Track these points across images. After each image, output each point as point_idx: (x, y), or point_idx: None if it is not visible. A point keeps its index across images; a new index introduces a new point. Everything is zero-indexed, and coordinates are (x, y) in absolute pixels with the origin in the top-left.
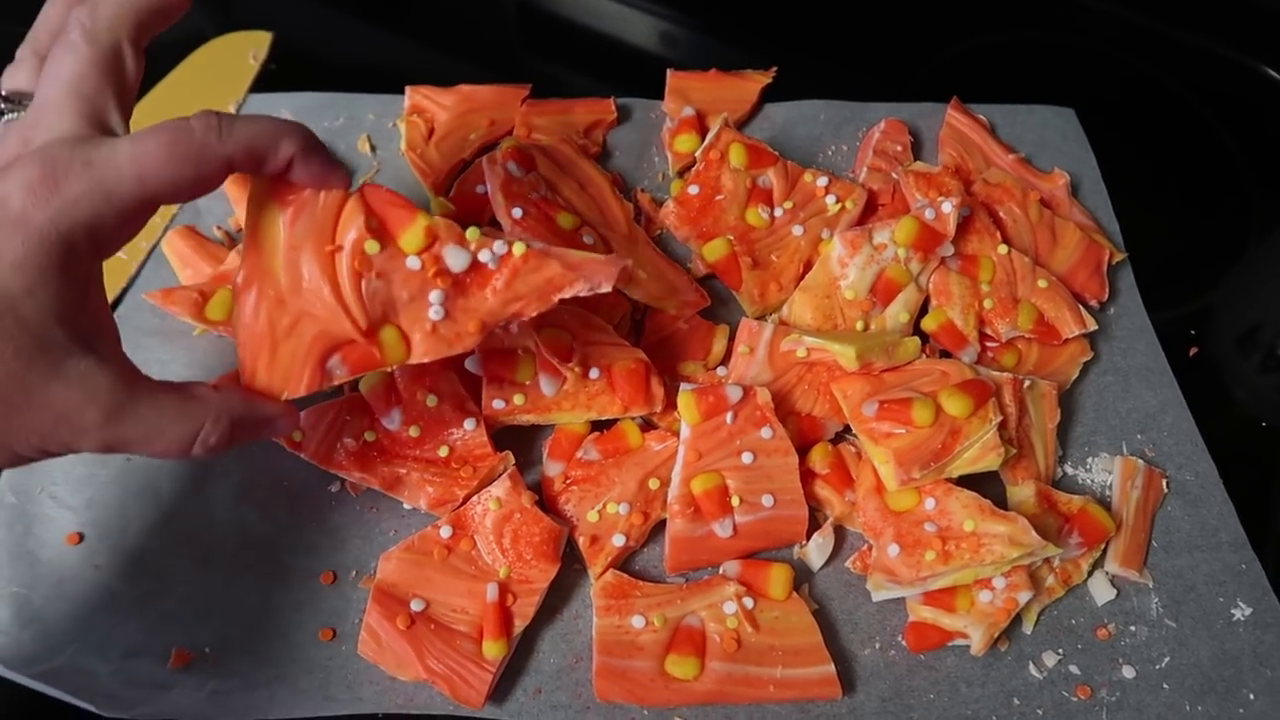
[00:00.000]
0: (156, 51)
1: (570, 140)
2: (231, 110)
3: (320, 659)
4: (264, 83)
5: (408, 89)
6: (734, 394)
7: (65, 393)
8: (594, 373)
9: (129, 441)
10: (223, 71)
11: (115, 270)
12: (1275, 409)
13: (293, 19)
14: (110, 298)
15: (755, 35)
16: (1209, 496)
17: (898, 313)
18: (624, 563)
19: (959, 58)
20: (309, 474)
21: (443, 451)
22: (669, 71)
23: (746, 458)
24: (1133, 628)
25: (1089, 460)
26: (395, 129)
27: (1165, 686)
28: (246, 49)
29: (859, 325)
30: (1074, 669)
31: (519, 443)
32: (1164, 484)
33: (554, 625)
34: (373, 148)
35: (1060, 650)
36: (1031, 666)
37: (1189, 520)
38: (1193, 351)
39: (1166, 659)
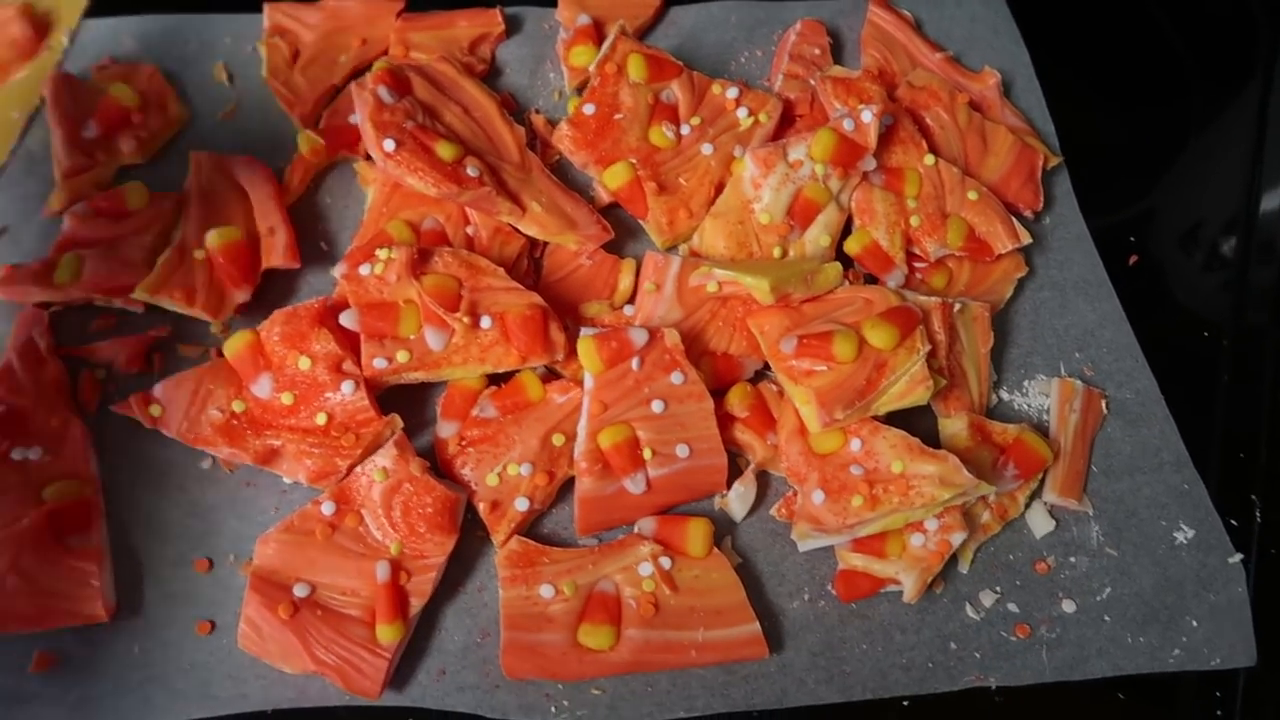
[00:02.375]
0: None
1: (452, 58)
2: (65, 41)
3: (198, 655)
4: (101, 5)
5: (266, 6)
6: (639, 337)
7: None
8: (485, 321)
9: None
10: None
11: None
12: (1217, 313)
13: None
14: None
15: None
16: (1150, 414)
17: (818, 236)
18: (530, 527)
19: None
20: (175, 451)
21: (320, 419)
22: None
23: (657, 406)
24: (1073, 559)
25: (1025, 384)
26: (255, 53)
27: (1106, 618)
28: None
29: (776, 252)
30: (1012, 607)
31: (408, 404)
32: (1103, 405)
33: (456, 600)
34: (230, 77)
35: (998, 588)
36: (968, 608)
37: (1129, 441)
38: (1133, 260)
39: (1108, 590)
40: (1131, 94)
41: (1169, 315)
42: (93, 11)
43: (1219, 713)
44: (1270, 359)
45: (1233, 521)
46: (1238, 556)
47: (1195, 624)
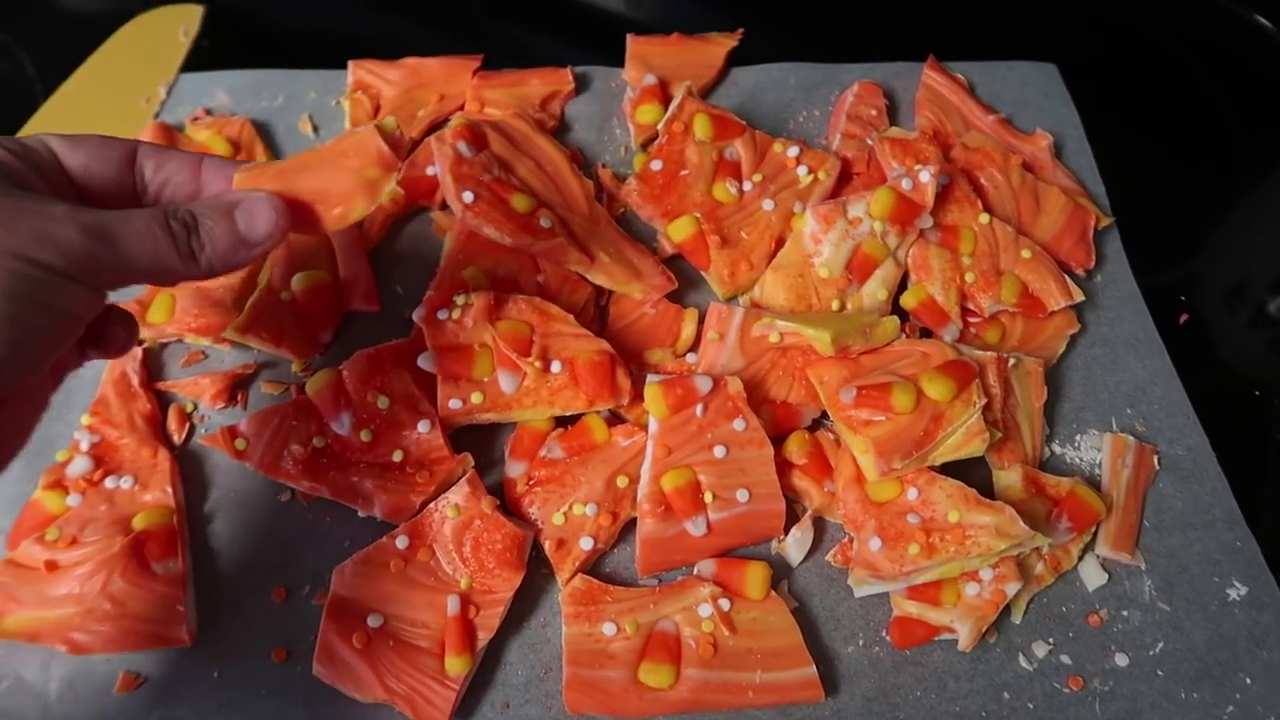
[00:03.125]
0: (81, 27)
1: (525, 114)
2: (161, 93)
3: (274, 681)
4: (196, 60)
5: (351, 63)
6: (703, 385)
7: (41, 214)
8: (555, 366)
9: (106, 258)
10: (151, 49)
11: None
12: (1267, 371)
13: None
14: None
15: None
16: (1202, 471)
17: (875, 290)
18: (593, 566)
19: (935, 12)
20: (255, 484)
21: (397, 456)
22: (629, 37)
23: (719, 451)
24: (1125, 613)
25: (1077, 438)
26: (339, 107)
27: (1159, 673)
28: (176, 24)
29: (834, 304)
30: (1065, 659)
31: (479, 443)
32: (1155, 460)
33: (521, 635)
34: (315, 128)
35: (1051, 640)
36: (1021, 658)
37: (1181, 497)
38: (1183, 318)
39: (1160, 644)
40: (1180, 155)
41: (1219, 374)
42: (188, 66)
43: None
44: None
45: None
46: None
47: (1249, 681)
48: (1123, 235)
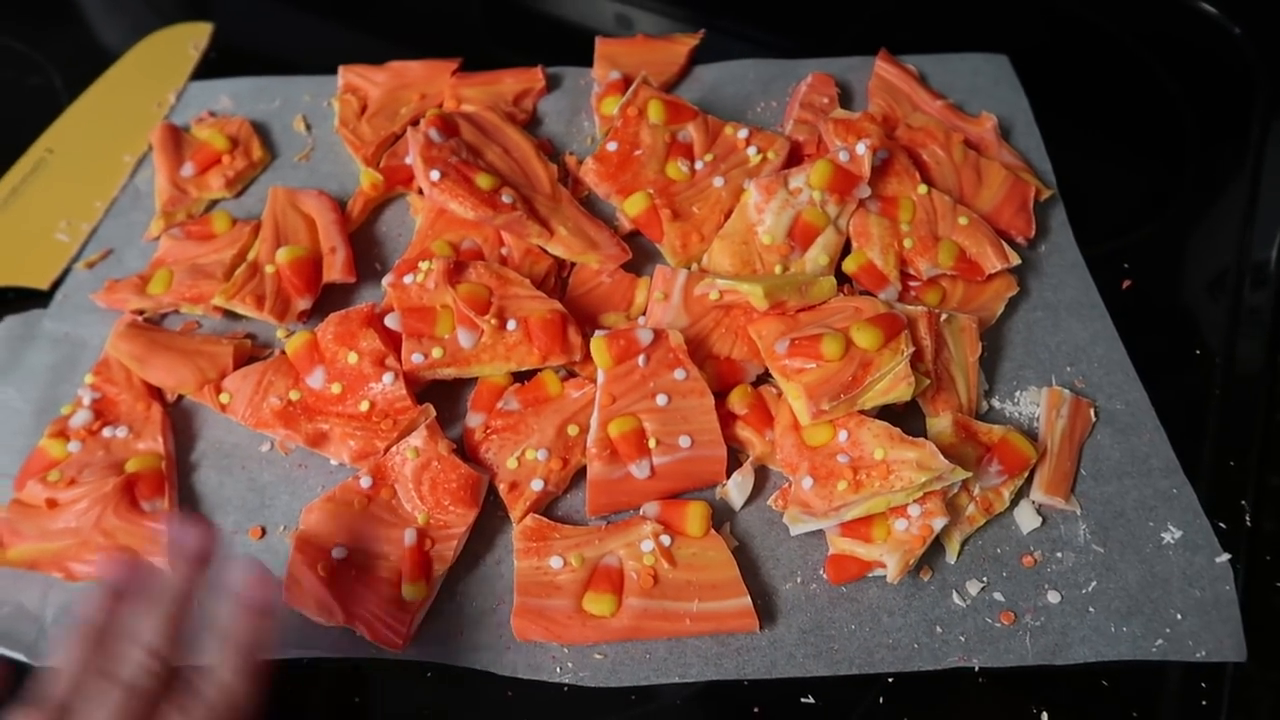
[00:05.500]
0: (105, 45)
1: (497, 108)
2: (172, 99)
3: None
4: (204, 70)
5: (341, 68)
6: (645, 337)
7: None
8: (511, 324)
9: None
10: (164, 62)
11: (57, 251)
12: (1207, 333)
13: (234, 8)
14: (53, 277)
15: (712, 14)
16: (1140, 424)
17: (817, 256)
18: (547, 509)
19: (891, 12)
20: (239, 435)
21: (364, 406)
22: (597, 39)
23: (661, 400)
24: (1059, 554)
25: (1017, 394)
26: (330, 107)
27: (1091, 609)
28: (188, 40)
29: (778, 270)
30: (998, 595)
31: (445, 398)
32: (1092, 412)
33: (476, 571)
34: (308, 126)
35: (984, 578)
36: (955, 595)
37: (1119, 448)
38: (1126, 284)
39: (1093, 583)
40: (1128, 138)
41: (1161, 335)
42: (197, 75)
43: (1204, 704)
44: (1263, 377)
45: (1221, 524)
46: (1225, 556)
47: (1180, 617)
48: (1069, 209)
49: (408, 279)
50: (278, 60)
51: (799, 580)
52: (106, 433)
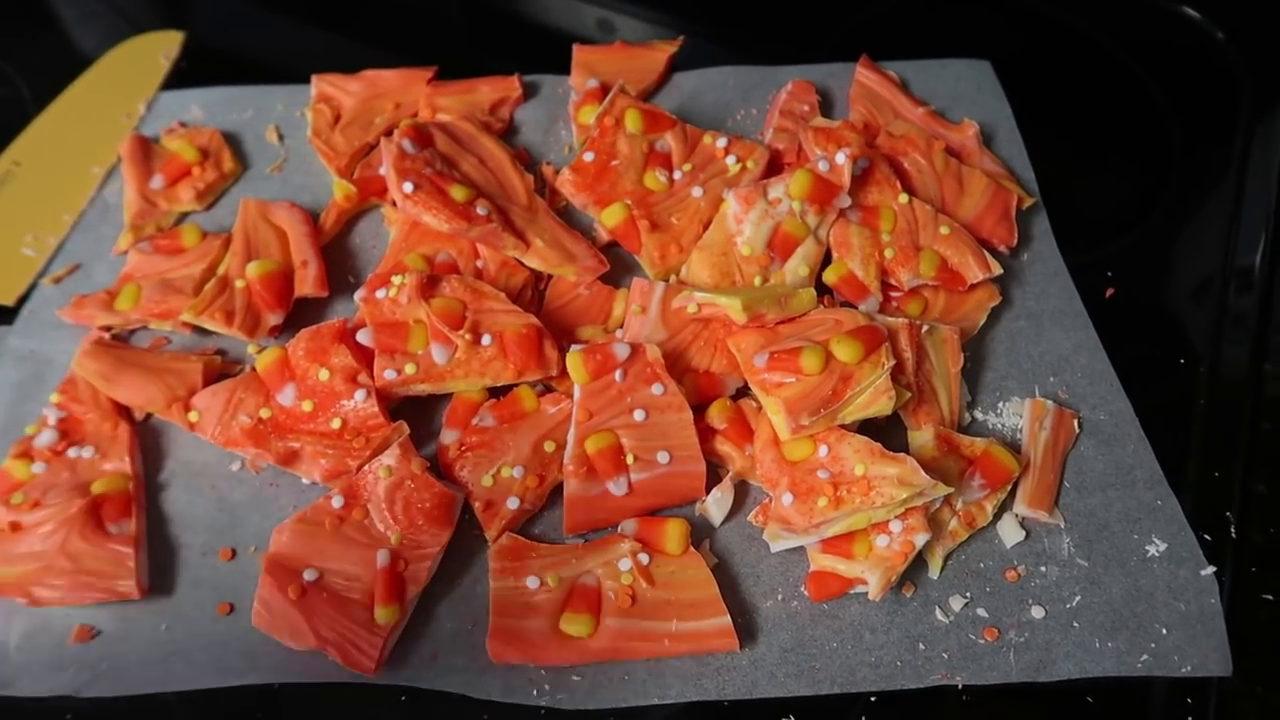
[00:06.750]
0: (73, 55)
1: (473, 117)
2: (142, 109)
3: (217, 633)
4: (175, 80)
5: (314, 78)
6: (621, 351)
7: None
8: (486, 339)
9: None
10: (134, 71)
11: (23, 266)
12: (1191, 342)
13: (206, 15)
14: (18, 293)
15: (692, 20)
16: (1124, 435)
17: (797, 267)
18: (524, 527)
19: (874, 19)
20: (208, 454)
21: (335, 424)
22: (575, 46)
23: (639, 415)
24: (1043, 568)
25: (1000, 405)
26: (303, 117)
27: (1075, 624)
28: (158, 49)
29: (757, 281)
30: (981, 611)
31: (419, 415)
32: (1075, 424)
33: (452, 592)
34: (280, 137)
35: (968, 594)
36: (938, 611)
37: (1103, 459)
38: (1109, 292)
39: (1078, 598)
40: (1112, 145)
41: (1144, 345)
42: (167, 85)
43: (1189, 719)
44: (1248, 385)
45: (1206, 536)
46: (1210, 569)
47: (1165, 631)
48: (1052, 218)
49: (380, 293)
50: (254, 66)
51: (780, 598)
52: (72, 453)
